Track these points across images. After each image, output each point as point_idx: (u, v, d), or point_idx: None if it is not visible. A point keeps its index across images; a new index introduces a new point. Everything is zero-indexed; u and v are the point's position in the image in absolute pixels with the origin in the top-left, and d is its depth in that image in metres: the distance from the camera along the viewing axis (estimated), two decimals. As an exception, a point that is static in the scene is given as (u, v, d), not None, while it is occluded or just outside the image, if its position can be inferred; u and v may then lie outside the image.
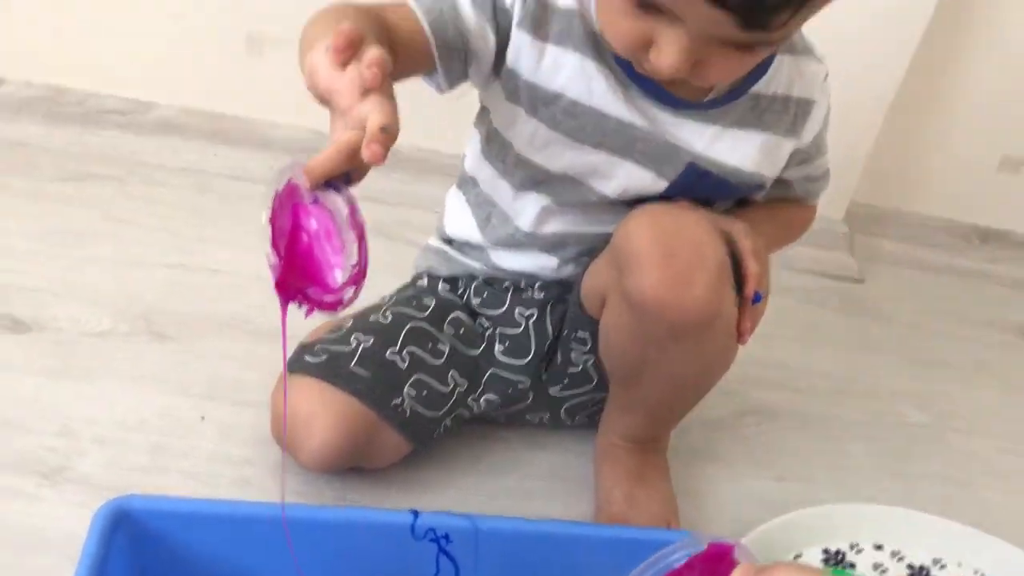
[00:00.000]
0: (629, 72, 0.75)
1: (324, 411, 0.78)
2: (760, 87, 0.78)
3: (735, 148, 0.78)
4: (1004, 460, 1.06)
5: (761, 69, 0.77)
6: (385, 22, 0.68)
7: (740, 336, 0.78)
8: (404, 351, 0.82)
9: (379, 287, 0.92)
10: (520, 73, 0.76)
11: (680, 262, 0.71)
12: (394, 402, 0.81)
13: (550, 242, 0.85)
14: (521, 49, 0.75)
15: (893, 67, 1.24)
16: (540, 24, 0.74)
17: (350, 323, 0.85)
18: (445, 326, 0.87)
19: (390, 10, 0.70)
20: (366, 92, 0.55)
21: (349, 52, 0.55)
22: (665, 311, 0.72)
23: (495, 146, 0.83)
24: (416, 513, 0.71)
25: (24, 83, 1.21)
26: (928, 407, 1.11)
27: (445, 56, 0.72)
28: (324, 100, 0.58)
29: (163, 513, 0.68)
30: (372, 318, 0.85)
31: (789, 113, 0.80)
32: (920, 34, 1.22)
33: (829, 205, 1.33)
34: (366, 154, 0.53)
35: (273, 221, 0.56)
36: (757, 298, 0.76)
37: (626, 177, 0.79)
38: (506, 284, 0.89)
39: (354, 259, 0.56)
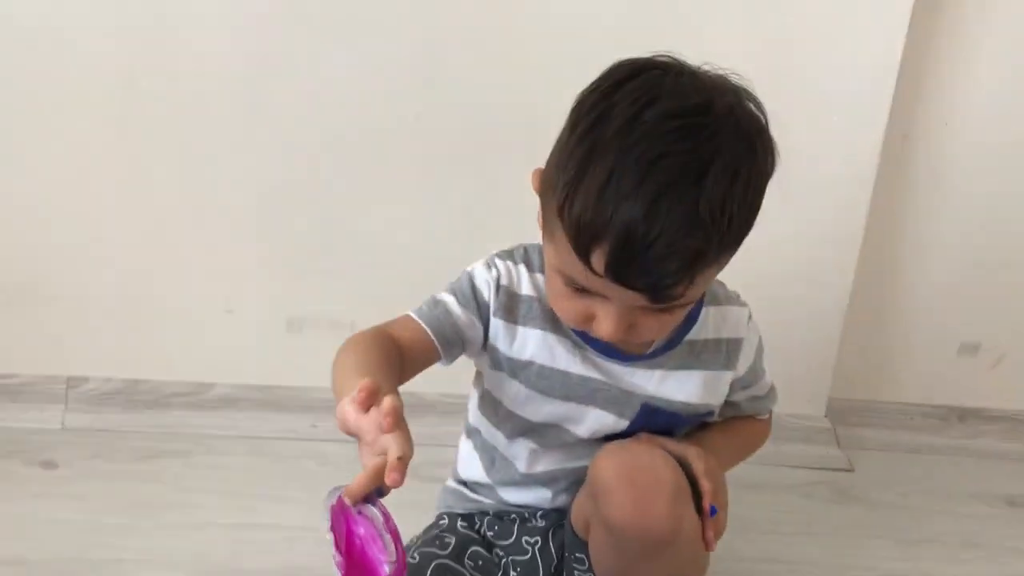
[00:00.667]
0: (583, 337, 0.94)
1: None
2: (692, 335, 0.96)
3: (680, 387, 0.96)
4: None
5: (691, 321, 0.95)
6: (396, 343, 0.89)
7: (707, 545, 0.93)
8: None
9: (413, 525, 1.08)
10: (499, 349, 0.96)
11: (640, 488, 0.87)
12: None
13: (543, 479, 1.02)
14: (498, 331, 0.95)
15: (841, 280, 1.41)
16: (510, 310, 0.94)
17: None
18: (466, 560, 1.01)
19: (398, 326, 0.92)
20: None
21: (369, 402, 0.72)
22: (632, 531, 0.87)
23: (488, 403, 1.02)
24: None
25: (104, 379, 1.43)
26: (917, 586, 1.21)
27: (447, 349, 0.93)
28: (352, 434, 0.76)
29: None
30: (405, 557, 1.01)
31: (722, 351, 0.97)
32: (859, 246, 1.39)
33: (809, 404, 1.48)
34: (388, 480, 0.70)
35: (333, 528, 0.76)
36: (713, 511, 0.91)
37: (594, 420, 0.96)
38: (512, 516, 1.04)
39: (393, 556, 0.73)
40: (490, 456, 1.05)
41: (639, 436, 0.97)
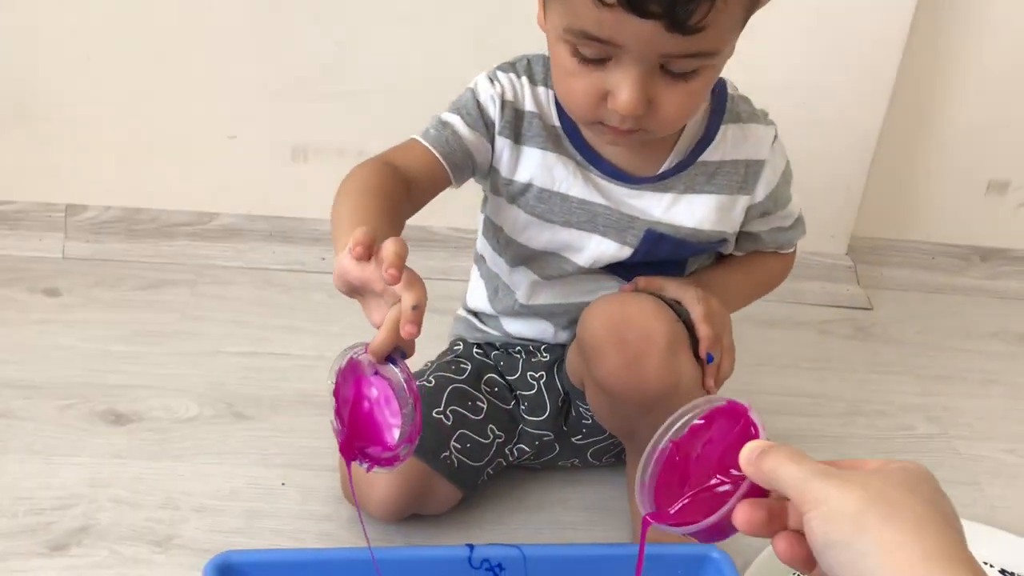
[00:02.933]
0: (587, 157, 0.88)
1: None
2: (707, 155, 0.89)
3: (691, 211, 0.89)
4: (1011, 460, 1.15)
5: (707, 139, 0.88)
6: (402, 174, 0.83)
7: (708, 391, 0.88)
8: (448, 410, 0.95)
9: (426, 354, 1.06)
10: (500, 171, 0.90)
11: (631, 346, 0.82)
12: (443, 455, 0.93)
13: (544, 312, 0.98)
14: (503, 152, 0.89)
15: (874, 107, 1.35)
16: (514, 128, 0.88)
17: None
18: (482, 386, 0.99)
19: (404, 152, 0.86)
20: None
21: (367, 254, 0.66)
22: (626, 391, 0.83)
23: (490, 229, 0.98)
24: (472, 547, 0.83)
25: (103, 208, 1.38)
26: (936, 419, 1.20)
27: (457, 173, 0.88)
28: (356, 291, 0.69)
29: (259, 563, 0.80)
30: (418, 383, 0.98)
31: (739, 174, 0.90)
32: (895, 72, 1.33)
33: (832, 241, 1.44)
34: (403, 333, 0.64)
35: (336, 393, 0.69)
36: (710, 359, 0.86)
37: (595, 248, 0.91)
38: (517, 348, 1.01)
39: (412, 419, 0.67)
40: (493, 285, 1.01)
41: (636, 280, 0.92)
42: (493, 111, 0.88)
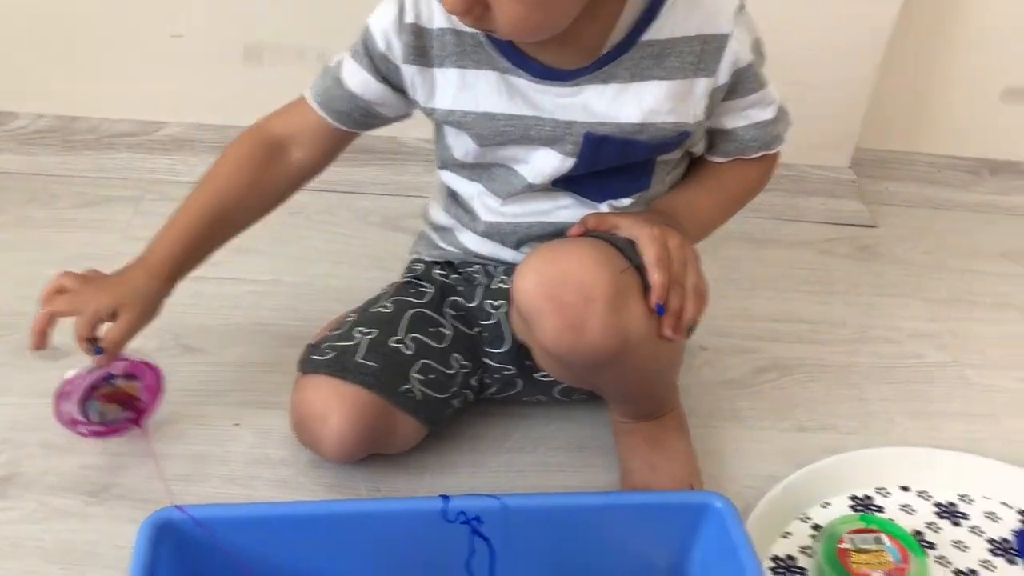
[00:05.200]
0: (514, 60, 0.77)
1: (338, 405, 0.82)
2: (652, 34, 0.76)
3: (639, 102, 0.77)
4: (1026, 390, 1.07)
5: (649, 15, 0.75)
6: (283, 149, 0.87)
7: (665, 339, 0.76)
8: (408, 338, 0.86)
9: (392, 276, 0.96)
10: (419, 100, 0.81)
11: (568, 309, 0.71)
12: (403, 388, 0.84)
13: (499, 231, 0.87)
14: (414, 80, 0.80)
15: (886, 9, 1.23)
16: (422, 52, 0.78)
17: (352, 318, 0.89)
18: (445, 309, 0.90)
19: (291, 116, 0.86)
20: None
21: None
22: (570, 358, 0.74)
23: (439, 142, 0.88)
24: (446, 498, 0.73)
25: (35, 116, 1.25)
26: (946, 345, 1.12)
27: (353, 123, 0.85)
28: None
29: (204, 520, 0.71)
30: (373, 310, 0.89)
31: (694, 52, 0.76)
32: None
33: (834, 153, 1.34)
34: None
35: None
36: (660, 310, 0.74)
37: (538, 161, 0.81)
38: (476, 269, 0.91)
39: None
40: (450, 193, 0.91)
41: (585, 219, 0.80)
42: (387, 42, 0.79)
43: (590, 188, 0.83)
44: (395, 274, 0.97)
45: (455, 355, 0.88)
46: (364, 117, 0.85)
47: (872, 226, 1.32)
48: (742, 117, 0.83)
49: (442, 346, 0.87)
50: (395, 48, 0.78)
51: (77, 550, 0.79)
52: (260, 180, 0.86)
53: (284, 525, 0.72)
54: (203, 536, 0.70)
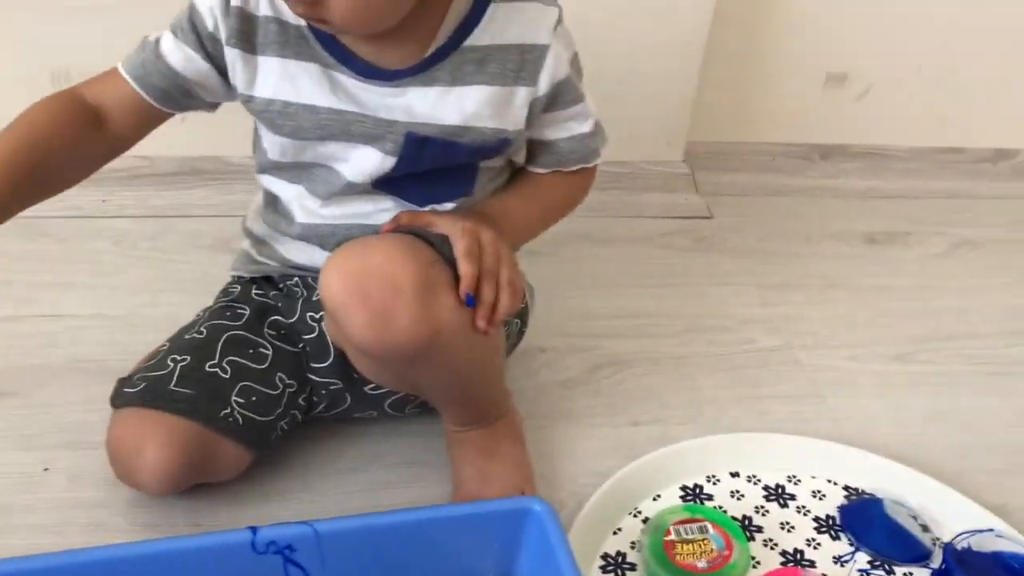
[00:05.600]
0: (338, 56, 0.76)
1: (152, 435, 0.79)
2: (474, 39, 0.77)
3: (460, 106, 0.77)
4: (852, 367, 1.10)
5: (472, 21, 0.76)
6: (92, 111, 0.79)
7: (480, 332, 0.76)
8: (224, 361, 0.83)
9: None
10: (238, 86, 0.78)
11: (375, 301, 0.70)
12: (223, 412, 0.81)
13: (317, 233, 0.85)
14: (235, 64, 0.77)
15: (701, 5, 1.26)
16: (245, 37, 0.76)
17: (166, 347, 0.85)
18: (265, 329, 0.87)
19: (101, 84, 0.80)
20: None
21: None
22: (381, 350, 0.72)
23: (256, 142, 0.86)
24: (254, 529, 0.71)
25: None
26: (777, 330, 1.14)
27: (166, 101, 0.80)
28: None
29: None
30: (187, 336, 0.86)
31: (513, 61, 0.77)
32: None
33: (667, 147, 1.36)
34: None
35: None
36: (469, 301, 0.74)
37: (359, 159, 0.79)
38: (295, 281, 0.89)
39: None
40: (269, 199, 0.89)
41: (398, 216, 0.80)
42: (211, 23, 0.76)
43: (412, 191, 0.82)
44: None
45: (279, 375, 0.85)
46: (181, 97, 0.80)
47: (708, 217, 1.34)
48: (562, 129, 0.84)
49: (263, 367, 0.85)
50: (221, 29, 0.76)
51: None
52: (78, 141, 0.78)
53: (88, 572, 0.69)
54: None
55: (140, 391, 0.81)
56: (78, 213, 1.21)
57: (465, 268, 0.74)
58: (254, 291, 0.91)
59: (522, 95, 0.78)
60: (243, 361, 0.84)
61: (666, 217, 1.33)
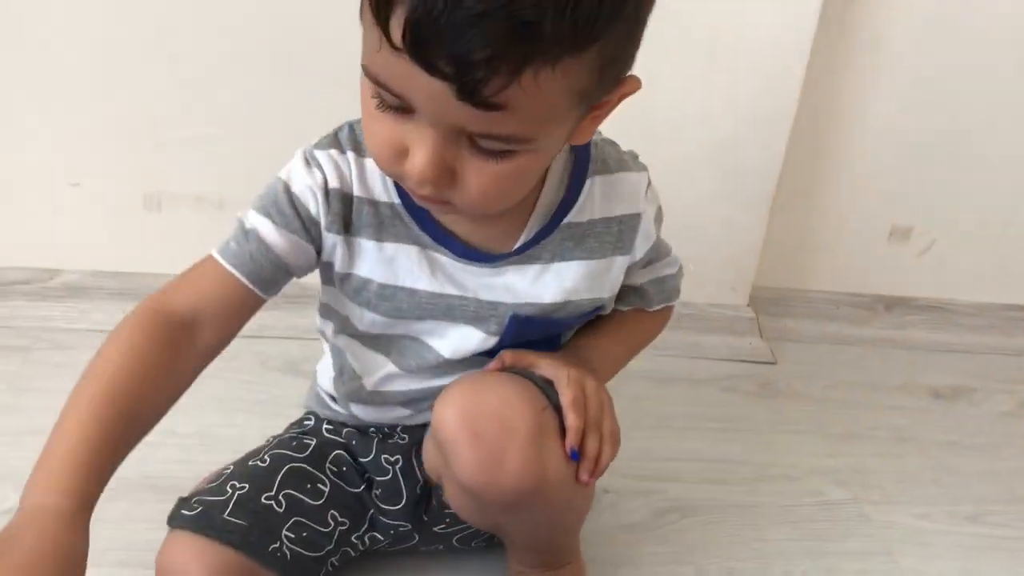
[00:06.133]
0: (435, 237, 0.75)
1: (197, 564, 0.77)
2: (573, 216, 0.76)
3: (559, 283, 0.77)
4: (922, 525, 1.07)
5: (571, 199, 0.76)
6: (185, 326, 0.72)
7: (582, 484, 0.76)
8: (281, 495, 0.82)
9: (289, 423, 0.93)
10: (336, 266, 0.76)
11: (488, 442, 0.70)
12: (272, 547, 0.80)
13: (400, 399, 0.85)
14: (335, 248, 0.75)
15: (772, 153, 1.28)
16: (345, 220, 0.74)
17: (229, 470, 0.85)
18: (327, 465, 0.86)
19: (194, 284, 0.73)
20: None
21: None
22: (487, 492, 0.72)
23: (331, 314, 0.84)
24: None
25: (-74, 264, 1.23)
26: (846, 482, 1.12)
27: (270, 287, 0.75)
28: None
29: None
30: (251, 463, 0.85)
31: (612, 233, 0.78)
32: (792, 116, 1.26)
33: (733, 292, 1.37)
34: None
35: None
36: (574, 456, 0.74)
37: (458, 338, 0.79)
38: (372, 429, 0.89)
39: None
40: (339, 364, 0.87)
41: (502, 356, 0.79)
42: (315, 207, 0.73)
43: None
44: (292, 420, 0.94)
45: (332, 512, 0.84)
46: (283, 281, 0.76)
47: (772, 363, 1.34)
48: (648, 273, 0.86)
49: (317, 503, 0.83)
50: (321, 214, 0.73)
51: None
52: (171, 373, 0.72)
53: None
54: None
55: (195, 516, 0.80)
56: (155, 329, 1.24)
57: (573, 420, 0.74)
58: (325, 427, 0.90)
59: (619, 263, 0.79)
60: (299, 495, 0.83)
61: (730, 360, 1.33)
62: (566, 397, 0.75)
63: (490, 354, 0.80)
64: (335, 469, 0.87)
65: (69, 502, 0.63)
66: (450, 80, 0.56)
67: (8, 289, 1.23)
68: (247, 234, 0.73)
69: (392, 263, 0.75)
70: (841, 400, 1.28)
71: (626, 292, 0.85)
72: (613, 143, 0.79)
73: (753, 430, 1.20)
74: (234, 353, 1.22)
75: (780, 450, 1.17)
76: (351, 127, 0.75)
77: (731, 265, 1.34)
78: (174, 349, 0.71)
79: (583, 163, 0.76)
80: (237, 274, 0.73)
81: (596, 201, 0.77)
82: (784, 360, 1.35)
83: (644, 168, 0.80)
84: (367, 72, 0.61)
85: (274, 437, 0.91)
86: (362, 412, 0.87)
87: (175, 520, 0.81)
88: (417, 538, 0.89)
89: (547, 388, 0.76)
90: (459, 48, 0.54)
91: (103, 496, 0.96)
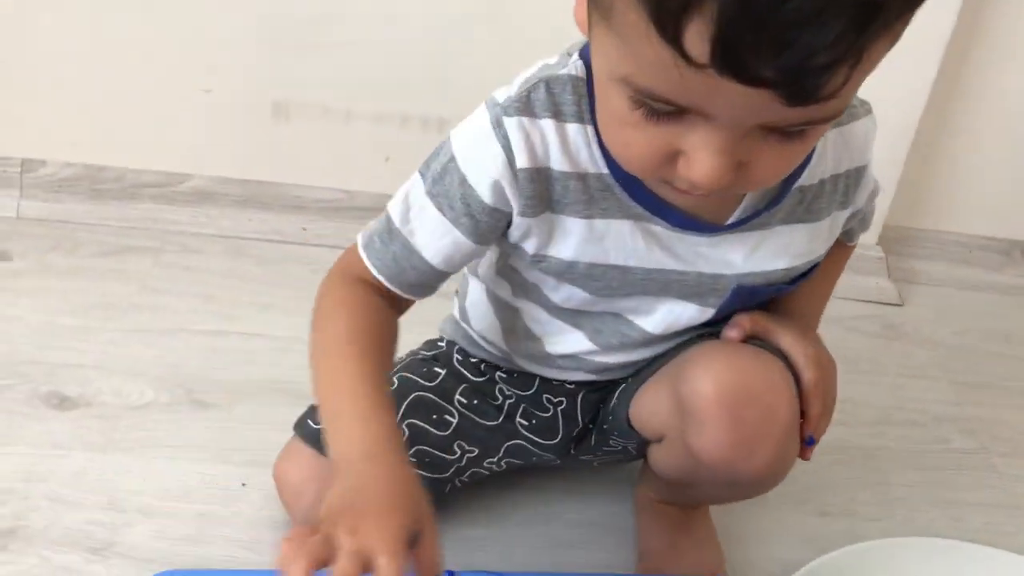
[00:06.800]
0: (650, 207, 0.65)
1: (313, 484, 0.77)
2: (806, 178, 0.67)
3: (786, 249, 0.69)
4: (1055, 482, 1.03)
5: (804, 161, 0.64)
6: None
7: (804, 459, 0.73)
8: (404, 423, 0.79)
9: (418, 339, 0.91)
10: (528, 249, 0.68)
11: (748, 428, 0.66)
12: None
13: (588, 368, 0.79)
14: (529, 230, 0.66)
15: (918, 84, 1.22)
16: (541, 199, 0.64)
17: None
18: (456, 397, 0.83)
19: (353, 275, 0.69)
20: None
21: None
22: (727, 472, 0.69)
23: (512, 277, 0.75)
24: (451, 574, 0.71)
25: (63, 164, 1.25)
26: (974, 432, 1.09)
27: (421, 292, 0.70)
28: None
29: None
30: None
31: (839, 191, 0.69)
32: (942, 49, 1.20)
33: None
34: None
35: None
36: (811, 441, 0.72)
37: (668, 313, 0.72)
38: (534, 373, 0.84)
39: None
40: (511, 323, 0.79)
41: (739, 320, 0.72)
42: (498, 196, 0.63)
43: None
44: (421, 336, 0.90)
45: (459, 442, 0.82)
46: (427, 277, 0.69)
47: (899, 304, 1.29)
48: (858, 214, 0.77)
49: (443, 434, 0.81)
50: (510, 200, 0.63)
51: (74, 609, 0.77)
52: (385, 321, 0.69)
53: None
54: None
55: (318, 431, 0.76)
56: (279, 238, 1.25)
57: (816, 409, 0.71)
58: (456, 355, 0.85)
59: (843, 216, 0.72)
60: (424, 426, 0.80)
61: (855, 300, 1.28)
62: (807, 377, 0.71)
63: (696, 328, 0.74)
64: (464, 402, 0.83)
65: (390, 446, 0.61)
66: (779, 88, 0.46)
67: (140, 192, 1.26)
68: (392, 233, 0.67)
69: (603, 241, 0.66)
70: (971, 347, 1.23)
71: None
72: None
73: (878, 372, 1.17)
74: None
75: (906, 394, 1.13)
76: (547, 86, 0.62)
77: (863, 202, 1.29)
78: (385, 319, 0.69)
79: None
80: (381, 278, 0.68)
81: (828, 158, 0.68)
82: (911, 303, 1.30)
83: (870, 109, 0.70)
84: (633, 86, 0.51)
85: (407, 354, 0.87)
86: (538, 369, 0.82)
87: (301, 428, 0.82)
88: (558, 463, 0.88)
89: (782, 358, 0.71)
90: (795, 56, 0.45)
91: (234, 398, 1.00)
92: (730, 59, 0.45)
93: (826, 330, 1.20)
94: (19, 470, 0.88)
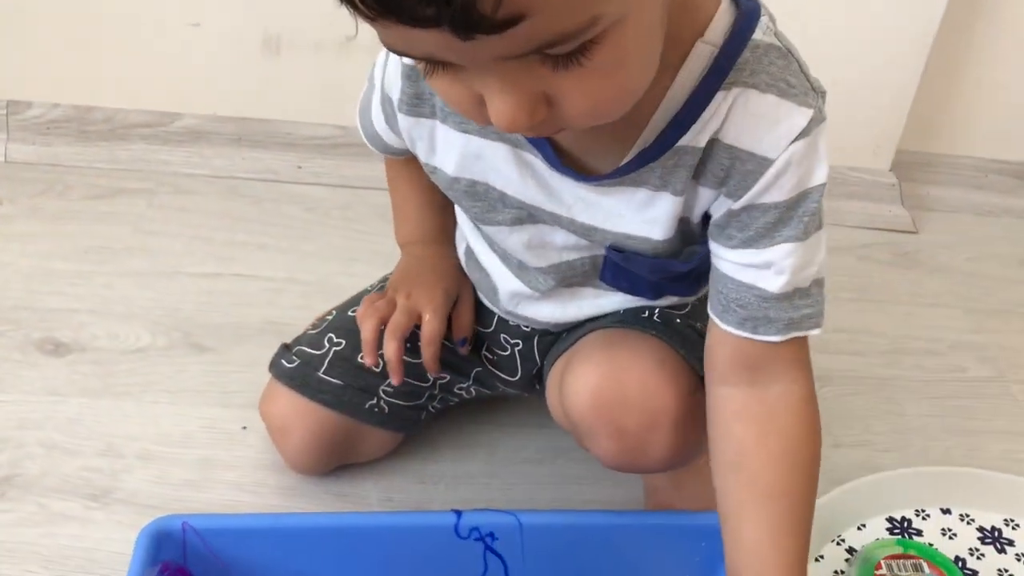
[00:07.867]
0: (533, 141, 0.61)
1: (297, 421, 0.79)
2: (688, 139, 0.57)
3: (663, 216, 0.61)
4: (1075, 408, 1.01)
5: (692, 115, 0.57)
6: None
7: None
8: (379, 353, 0.76)
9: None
10: (419, 154, 0.67)
11: (632, 437, 0.66)
12: (368, 404, 0.79)
13: (522, 318, 0.77)
14: (412, 132, 0.66)
15: (930, 11, 1.18)
16: (420, 100, 0.64)
17: (332, 316, 0.83)
18: None
19: None
20: None
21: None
22: (630, 470, 0.71)
23: None
24: (459, 513, 0.69)
25: (51, 105, 1.22)
26: (990, 360, 1.06)
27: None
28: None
29: (204, 531, 0.67)
30: (350, 312, 0.81)
31: (722, 166, 0.58)
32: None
33: (875, 156, 1.28)
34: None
35: None
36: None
37: (564, 241, 0.67)
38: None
39: None
40: (470, 250, 0.78)
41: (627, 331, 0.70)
42: (395, 83, 0.65)
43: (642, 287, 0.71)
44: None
45: None
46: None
47: (913, 232, 1.26)
48: (752, 257, 0.62)
49: (417, 361, 0.78)
50: (395, 91, 0.65)
51: (75, 556, 0.76)
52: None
53: (288, 537, 0.68)
54: (203, 547, 0.67)
55: (293, 369, 0.79)
56: (273, 177, 1.22)
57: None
58: None
59: (720, 206, 0.61)
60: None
61: (868, 228, 1.25)
62: None
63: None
64: None
65: (438, 237, 0.81)
66: (439, 23, 0.41)
67: (130, 132, 1.22)
68: (363, 112, 0.74)
69: (480, 160, 0.64)
70: (987, 274, 1.20)
71: (716, 282, 0.63)
72: (787, 55, 0.56)
73: (892, 301, 1.14)
74: (351, 202, 1.22)
75: (920, 323, 1.11)
76: None
77: (876, 126, 1.25)
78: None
79: (721, 69, 0.56)
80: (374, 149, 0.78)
81: (726, 123, 0.57)
82: (926, 230, 1.27)
83: (811, 106, 0.56)
84: (385, 47, 0.48)
85: (380, 280, 0.86)
86: (490, 305, 0.79)
87: (275, 368, 0.81)
88: (528, 395, 0.86)
89: (689, 355, 0.69)
90: None
91: (230, 339, 0.97)
92: (382, 4, 0.41)
93: (839, 259, 1.20)
94: (13, 418, 0.86)
